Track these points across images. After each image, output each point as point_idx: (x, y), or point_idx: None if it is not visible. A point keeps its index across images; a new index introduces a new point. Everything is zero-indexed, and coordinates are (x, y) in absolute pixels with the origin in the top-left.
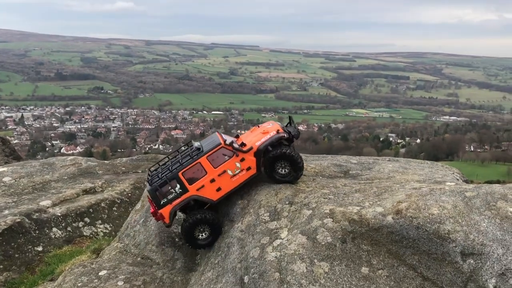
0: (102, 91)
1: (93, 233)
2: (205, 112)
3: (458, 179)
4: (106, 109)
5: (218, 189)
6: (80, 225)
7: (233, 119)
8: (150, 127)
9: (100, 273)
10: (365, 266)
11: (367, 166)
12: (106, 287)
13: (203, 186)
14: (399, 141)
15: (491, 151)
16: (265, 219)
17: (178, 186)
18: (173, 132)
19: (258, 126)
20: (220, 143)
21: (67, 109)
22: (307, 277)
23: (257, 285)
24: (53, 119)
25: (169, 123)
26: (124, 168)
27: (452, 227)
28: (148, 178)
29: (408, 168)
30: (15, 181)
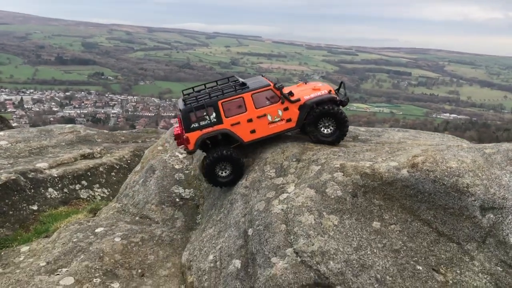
0: (103, 76)
1: (90, 196)
2: None
3: None
4: (106, 95)
5: (252, 131)
6: (77, 188)
7: None
8: (149, 114)
9: (96, 230)
10: (376, 220)
11: (376, 133)
12: (102, 242)
13: (238, 123)
14: None
15: None
16: (271, 175)
17: (214, 114)
18: (172, 121)
19: (305, 83)
20: (270, 85)
21: (67, 93)
22: (316, 228)
23: (262, 237)
24: (53, 103)
25: (169, 111)
26: (123, 138)
27: (471, 180)
28: (183, 98)
29: (418, 136)
30: (12, 145)
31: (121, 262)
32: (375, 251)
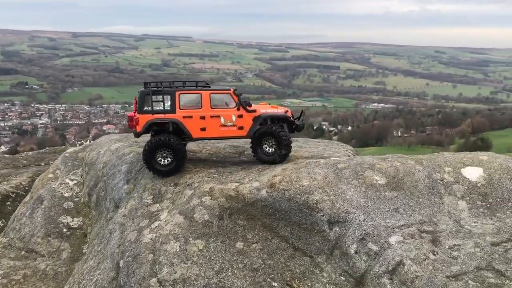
0: (27, 86)
1: None
2: None
3: (349, 155)
4: (32, 105)
5: (202, 129)
6: None
7: None
8: (80, 122)
9: None
10: (240, 241)
11: None
12: None
13: (191, 116)
14: (331, 129)
15: (416, 135)
16: (147, 202)
17: (169, 103)
18: (105, 127)
19: (269, 104)
20: (230, 89)
21: None
22: (180, 256)
23: (130, 268)
24: None
25: (100, 117)
26: (25, 162)
27: (320, 197)
28: (145, 84)
29: (303, 147)
30: None
31: None
32: (235, 272)
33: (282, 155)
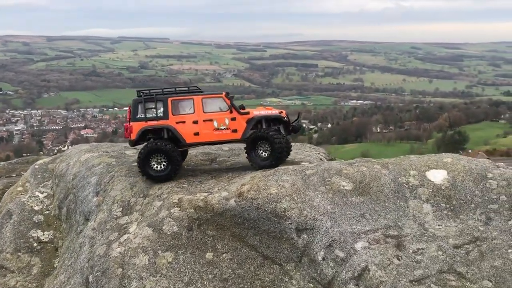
0: (1, 92)
1: None
2: (116, 108)
3: (321, 159)
4: (7, 111)
5: (196, 134)
6: None
7: None
8: (57, 128)
9: None
10: (210, 251)
11: (237, 152)
12: None
13: (183, 122)
14: (311, 127)
15: (395, 131)
16: (116, 215)
17: (162, 109)
18: (82, 132)
19: (265, 107)
20: (222, 93)
21: None
22: (148, 269)
23: (100, 283)
24: None
25: (78, 122)
26: None
27: (288, 204)
28: (137, 92)
29: None
30: None
31: None
32: (205, 283)
33: (276, 160)
